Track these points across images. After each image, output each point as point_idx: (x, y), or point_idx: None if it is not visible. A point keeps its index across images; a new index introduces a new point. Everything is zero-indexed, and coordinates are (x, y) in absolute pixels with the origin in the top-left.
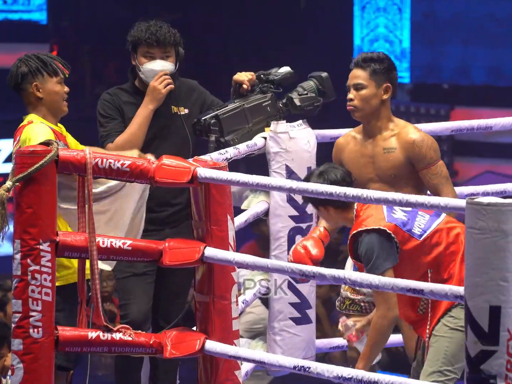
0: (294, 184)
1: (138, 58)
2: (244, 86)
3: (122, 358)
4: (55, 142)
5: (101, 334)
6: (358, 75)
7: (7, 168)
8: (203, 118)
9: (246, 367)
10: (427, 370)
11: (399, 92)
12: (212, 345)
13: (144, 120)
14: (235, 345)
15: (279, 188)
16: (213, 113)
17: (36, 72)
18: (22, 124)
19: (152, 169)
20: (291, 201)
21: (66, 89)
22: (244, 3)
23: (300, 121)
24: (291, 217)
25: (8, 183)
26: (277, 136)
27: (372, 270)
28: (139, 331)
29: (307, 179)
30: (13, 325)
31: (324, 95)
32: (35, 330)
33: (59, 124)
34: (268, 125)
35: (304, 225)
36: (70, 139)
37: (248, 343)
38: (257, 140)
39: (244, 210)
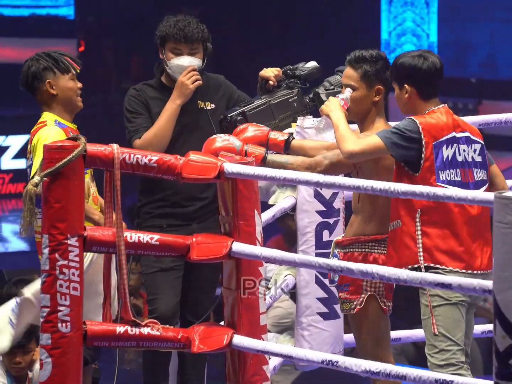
0: (321, 178)
1: (166, 53)
2: (270, 82)
3: (150, 354)
4: (83, 137)
5: (129, 328)
6: (350, 75)
7: (17, 164)
8: (229, 115)
9: (274, 361)
10: (428, 354)
11: None
12: (240, 340)
13: (171, 115)
14: (263, 340)
15: (306, 182)
16: (240, 110)
17: (48, 69)
18: (36, 125)
19: (179, 165)
20: (318, 196)
21: (79, 84)
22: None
23: (325, 116)
24: (318, 212)
25: (36, 178)
26: (303, 131)
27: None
28: (167, 326)
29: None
30: (41, 320)
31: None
32: (64, 324)
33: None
34: (295, 121)
35: (331, 220)
36: None
37: (276, 338)
38: None
39: (271, 205)
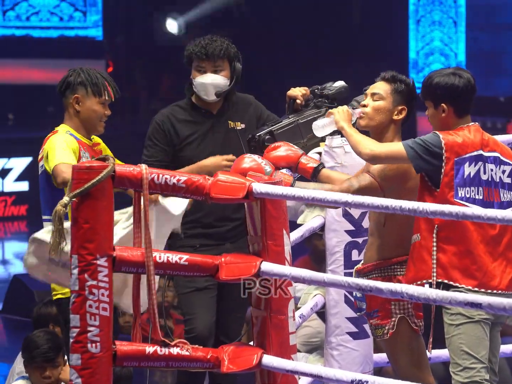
0: (349, 198)
1: (192, 72)
2: (298, 101)
3: (184, 374)
4: (111, 157)
5: (158, 348)
6: (382, 87)
7: (19, 186)
8: (257, 134)
9: (303, 381)
10: (452, 372)
11: None
12: (269, 360)
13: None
14: (293, 360)
15: (335, 202)
16: (268, 129)
17: (82, 85)
18: (49, 134)
19: (207, 185)
20: (346, 215)
21: (108, 112)
22: (296, 18)
23: None
24: (347, 231)
25: (65, 199)
26: (332, 150)
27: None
28: (204, 345)
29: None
30: (71, 340)
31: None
32: (93, 345)
33: (95, 138)
34: (323, 140)
35: (360, 240)
36: (108, 153)
37: (306, 357)
38: (312, 156)
39: (300, 225)
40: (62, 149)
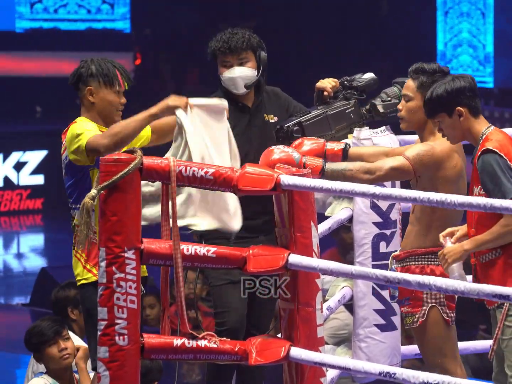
0: (377, 190)
1: (219, 68)
2: (326, 92)
3: (214, 366)
4: (139, 149)
5: (186, 341)
6: (408, 86)
7: (34, 179)
8: (286, 125)
9: (331, 373)
10: (510, 376)
11: (483, 97)
12: (297, 352)
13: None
14: (320, 352)
15: (363, 194)
16: (296, 120)
17: (94, 77)
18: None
19: (235, 177)
20: (374, 207)
21: (123, 100)
22: (324, 11)
23: (383, 127)
24: (375, 223)
25: (93, 191)
26: (360, 142)
27: (497, 194)
28: (236, 338)
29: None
30: (98, 333)
31: None
32: (121, 337)
33: None
34: (351, 132)
35: (388, 232)
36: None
37: (333, 350)
38: None
39: (328, 217)
40: (84, 128)
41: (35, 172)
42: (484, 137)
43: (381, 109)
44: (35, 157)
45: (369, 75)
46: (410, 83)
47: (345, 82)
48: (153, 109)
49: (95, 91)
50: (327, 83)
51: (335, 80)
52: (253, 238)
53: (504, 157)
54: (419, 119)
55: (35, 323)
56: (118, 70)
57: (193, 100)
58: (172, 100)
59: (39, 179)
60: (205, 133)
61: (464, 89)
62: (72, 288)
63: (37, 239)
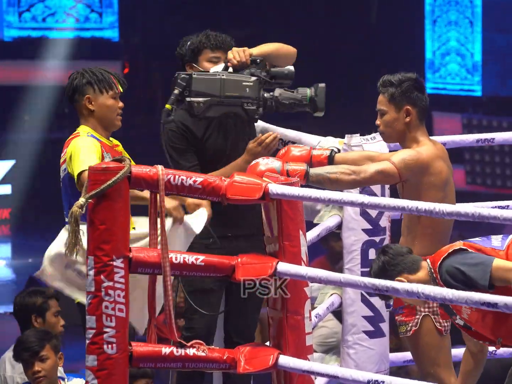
0: (366, 199)
1: (202, 64)
2: (229, 63)
3: (183, 375)
4: (128, 158)
5: (174, 349)
6: (380, 100)
7: (1, 190)
8: (177, 72)
9: (320, 382)
10: None
11: (471, 105)
12: (286, 360)
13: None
14: (309, 360)
15: (351, 203)
16: (190, 72)
17: (89, 85)
18: (70, 136)
19: (224, 186)
20: (364, 214)
21: (121, 104)
22: (313, 19)
23: (373, 135)
24: (364, 230)
25: (81, 200)
26: (350, 149)
27: (481, 279)
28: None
29: None
30: (87, 341)
31: (315, 105)
32: (109, 346)
33: (113, 140)
34: (244, 108)
35: (377, 238)
36: (126, 155)
37: (322, 358)
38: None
39: (316, 224)
40: (87, 153)
41: (2, 182)
42: None
43: (276, 93)
44: (1, 167)
45: (287, 67)
46: (380, 97)
47: (258, 59)
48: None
49: (93, 99)
50: (234, 54)
51: (247, 53)
52: (231, 243)
53: None
54: (398, 131)
55: (21, 337)
56: (111, 74)
57: (186, 217)
58: (173, 209)
59: (7, 189)
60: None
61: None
62: (37, 296)
63: (5, 250)
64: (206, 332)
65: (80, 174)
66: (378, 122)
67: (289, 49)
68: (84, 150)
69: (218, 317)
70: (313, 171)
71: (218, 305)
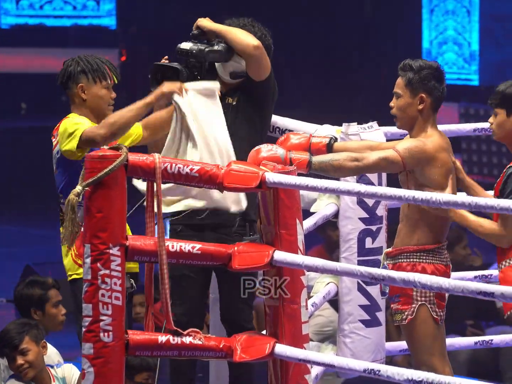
0: (362, 188)
1: None
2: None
3: (175, 362)
4: (124, 146)
5: (171, 338)
6: (397, 83)
7: None
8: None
9: (316, 370)
10: None
11: (468, 95)
12: (282, 349)
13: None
14: (305, 349)
15: (348, 192)
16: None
17: (83, 74)
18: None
19: (220, 174)
20: (361, 203)
21: (113, 94)
22: (309, 11)
23: (371, 123)
24: (361, 219)
25: (78, 188)
26: (348, 137)
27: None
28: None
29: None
30: (83, 329)
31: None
32: (106, 334)
33: None
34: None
35: (374, 227)
36: None
37: (318, 347)
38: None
39: (313, 213)
40: (78, 120)
41: None
42: None
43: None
44: None
45: (222, 45)
46: (399, 80)
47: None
48: (149, 98)
49: (86, 88)
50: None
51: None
52: (198, 234)
53: None
54: (409, 116)
55: (1, 333)
56: (106, 64)
57: (187, 84)
58: (166, 86)
59: None
60: (203, 114)
61: None
62: (36, 287)
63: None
64: (186, 320)
65: (83, 134)
66: (392, 104)
67: (237, 39)
68: (75, 120)
69: (203, 305)
70: (316, 159)
71: (197, 292)
